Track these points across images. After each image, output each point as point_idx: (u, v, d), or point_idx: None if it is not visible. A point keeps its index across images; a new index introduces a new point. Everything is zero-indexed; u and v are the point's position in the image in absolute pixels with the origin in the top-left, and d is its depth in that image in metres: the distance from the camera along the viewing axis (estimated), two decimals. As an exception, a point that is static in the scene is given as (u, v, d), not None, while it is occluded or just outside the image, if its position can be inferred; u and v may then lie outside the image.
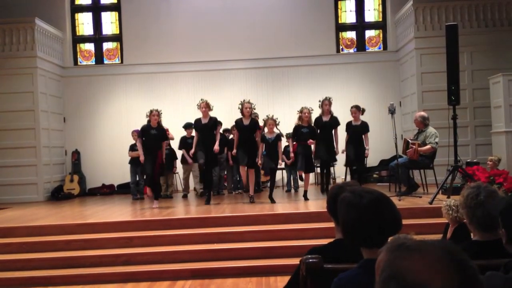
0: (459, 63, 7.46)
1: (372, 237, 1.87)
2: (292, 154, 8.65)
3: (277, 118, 8.68)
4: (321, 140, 8.74)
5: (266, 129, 8.61)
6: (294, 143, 8.80)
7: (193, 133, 9.10)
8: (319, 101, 8.98)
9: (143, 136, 8.54)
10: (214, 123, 8.66)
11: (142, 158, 8.45)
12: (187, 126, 10.13)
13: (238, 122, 8.54)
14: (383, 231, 1.85)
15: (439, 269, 1.02)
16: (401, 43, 11.48)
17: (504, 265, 1.93)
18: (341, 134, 9.06)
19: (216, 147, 8.48)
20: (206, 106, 8.61)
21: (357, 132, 8.93)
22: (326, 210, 2.54)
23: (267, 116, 8.67)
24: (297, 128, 8.62)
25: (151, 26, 11.96)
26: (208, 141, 8.56)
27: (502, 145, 9.24)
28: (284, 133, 9.58)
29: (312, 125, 8.68)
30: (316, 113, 8.92)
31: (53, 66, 11.54)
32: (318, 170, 10.09)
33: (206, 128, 8.60)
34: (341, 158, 9.27)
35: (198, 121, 8.75)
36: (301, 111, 8.63)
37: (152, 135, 8.47)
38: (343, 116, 9.67)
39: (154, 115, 8.52)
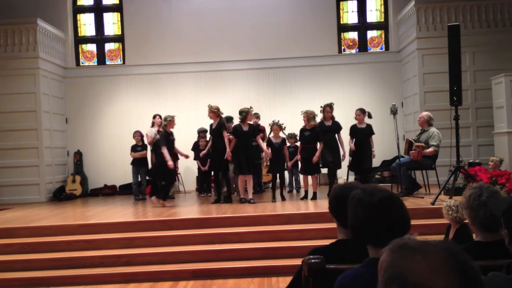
0: (461, 64, 7.44)
1: (380, 236, 1.85)
2: (299, 157, 8.74)
3: (283, 124, 8.75)
4: (324, 145, 8.71)
5: (272, 134, 8.77)
6: (299, 145, 8.86)
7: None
8: (321, 107, 8.93)
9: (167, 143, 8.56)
10: (220, 126, 8.62)
11: (171, 163, 8.40)
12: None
13: (237, 129, 8.51)
14: (392, 231, 1.84)
15: (441, 270, 1.02)
16: (403, 43, 11.46)
17: (507, 265, 1.92)
18: (344, 138, 9.04)
19: (227, 154, 8.39)
20: (210, 112, 8.65)
21: (363, 135, 8.92)
22: (328, 210, 2.54)
23: (273, 121, 8.80)
24: (301, 131, 8.74)
25: (153, 27, 11.97)
26: (216, 145, 8.61)
27: (504, 146, 9.22)
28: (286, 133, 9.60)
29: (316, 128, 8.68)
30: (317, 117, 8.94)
31: (55, 67, 11.55)
32: (324, 170, 10.10)
33: (213, 133, 8.68)
34: (345, 160, 9.24)
35: (210, 126, 8.87)
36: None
37: (171, 141, 8.68)
38: (345, 117, 9.66)
39: (173, 121, 8.64)
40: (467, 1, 10.50)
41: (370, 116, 9.07)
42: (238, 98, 11.47)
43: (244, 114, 8.49)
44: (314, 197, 8.57)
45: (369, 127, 8.99)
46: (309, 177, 8.78)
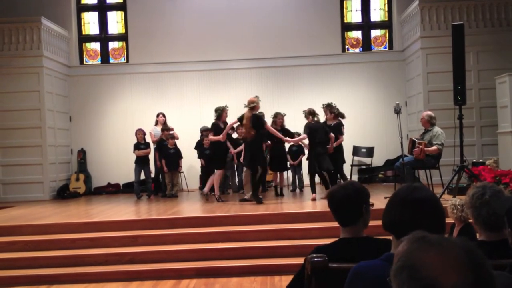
0: (465, 63, 7.42)
1: (407, 233, 1.83)
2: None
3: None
4: (326, 144, 8.84)
5: None
6: (269, 142, 9.15)
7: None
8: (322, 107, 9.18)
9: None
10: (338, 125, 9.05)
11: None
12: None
13: None
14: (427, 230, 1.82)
15: (454, 267, 1.02)
16: (407, 42, 11.44)
17: (510, 265, 1.92)
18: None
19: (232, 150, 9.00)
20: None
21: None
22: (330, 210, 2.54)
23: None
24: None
25: (157, 26, 11.98)
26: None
27: (508, 145, 9.19)
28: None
29: (285, 127, 9.25)
30: (297, 119, 9.20)
31: (59, 65, 11.57)
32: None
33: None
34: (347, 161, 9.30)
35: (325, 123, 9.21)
36: (275, 116, 9.20)
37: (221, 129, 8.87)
38: (348, 117, 9.65)
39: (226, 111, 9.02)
40: (471, 0, 10.47)
41: (342, 116, 9.02)
42: (242, 97, 11.39)
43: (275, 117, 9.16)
44: (281, 193, 9.19)
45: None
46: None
